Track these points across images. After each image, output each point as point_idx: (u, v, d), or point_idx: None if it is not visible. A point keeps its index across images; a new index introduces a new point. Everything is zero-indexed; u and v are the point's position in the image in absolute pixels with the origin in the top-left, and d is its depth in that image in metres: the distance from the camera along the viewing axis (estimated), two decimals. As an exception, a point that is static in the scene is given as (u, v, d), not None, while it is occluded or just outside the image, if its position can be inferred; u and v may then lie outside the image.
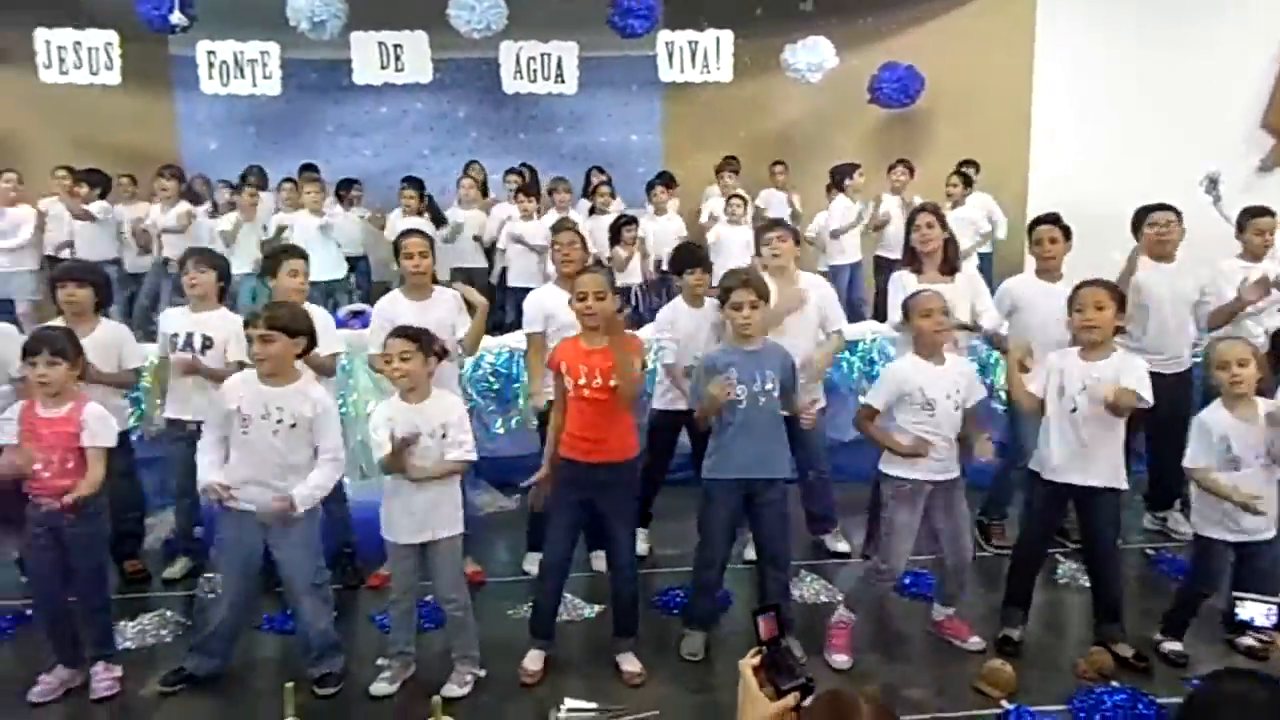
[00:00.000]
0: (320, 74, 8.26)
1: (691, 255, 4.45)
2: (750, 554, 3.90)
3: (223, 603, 3.39)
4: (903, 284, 4.14)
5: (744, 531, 3.78)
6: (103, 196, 6.90)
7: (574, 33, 7.16)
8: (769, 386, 3.41)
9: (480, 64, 7.57)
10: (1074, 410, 3.37)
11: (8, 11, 6.86)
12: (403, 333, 3.29)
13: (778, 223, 4.61)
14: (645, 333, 5.03)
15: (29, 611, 3.86)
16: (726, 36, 7.18)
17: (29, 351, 3.24)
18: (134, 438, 4.51)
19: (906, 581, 3.99)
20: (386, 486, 3.35)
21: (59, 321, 3.86)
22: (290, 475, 3.23)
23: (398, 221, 6.89)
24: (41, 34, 6.57)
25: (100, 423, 3.26)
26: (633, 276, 7.05)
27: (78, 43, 6.58)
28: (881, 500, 3.52)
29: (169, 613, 3.96)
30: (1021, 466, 3.95)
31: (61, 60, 6.61)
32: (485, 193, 7.90)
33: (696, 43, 7.16)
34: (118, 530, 4.31)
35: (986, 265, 6.91)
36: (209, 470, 3.25)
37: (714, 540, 3.53)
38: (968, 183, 7.03)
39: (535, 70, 7.04)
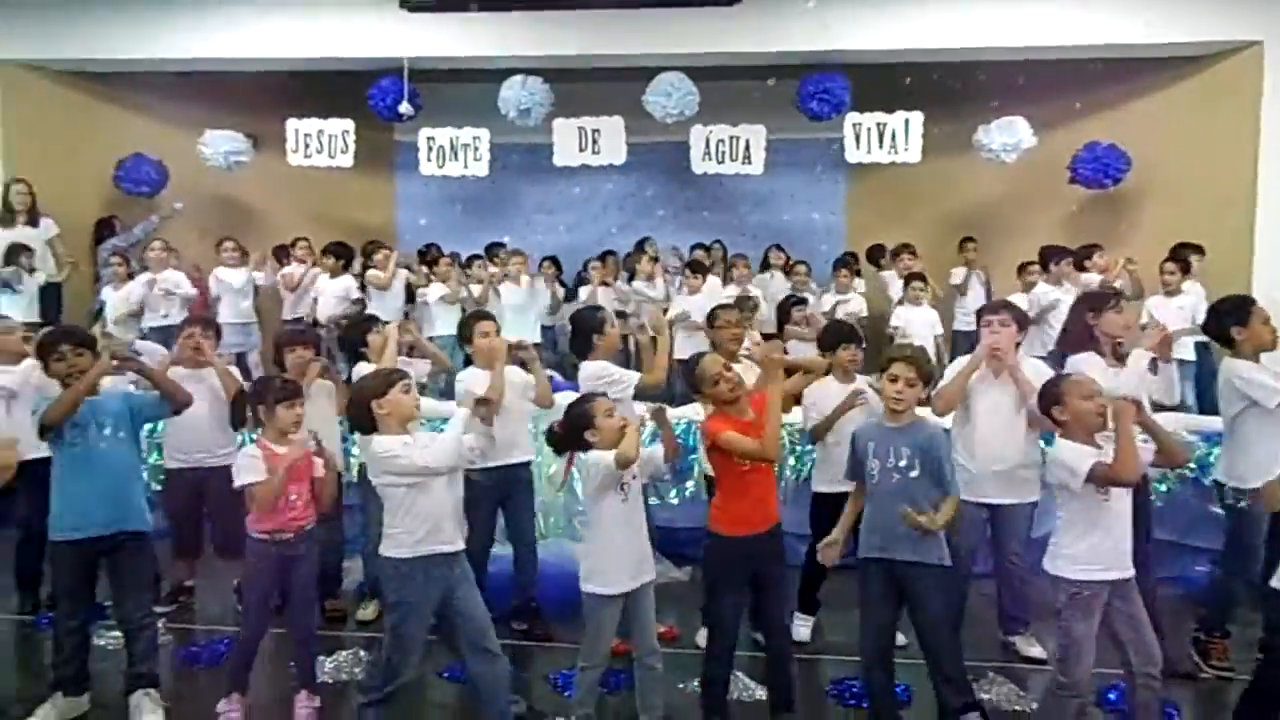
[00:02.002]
0: (522, 156, 8.86)
1: (842, 331, 4.43)
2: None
3: (416, 653, 3.30)
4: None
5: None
6: (346, 268, 7.63)
7: (762, 116, 7.36)
8: (903, 464, 3.31)
9: (670, 146, 7.91)
10: None
11: (265, 103, 7.85)
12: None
13: (1004, 304, 4.27)
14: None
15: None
16: (916, 118, 7.16)
17: (287, 396, 3.62)
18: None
19: (1111, 697, 3.67)
20: (599, 537, 3.34)
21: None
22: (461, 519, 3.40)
23: (583, 294, 7.61)
24: (292, 123, 7.49)
25: (324, 453, 3.64)
26: (811, 350, 7.03)
27: (321, 131, 7.46)
28: (1058, 608, 3.21)
29: (362, 652, 4.20)
30: (1247, 578, 3.58)
31: (306, 145, 7.48)
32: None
33: (885, 124, 7.18)
34: (322, 570, 4.71)
35: (1204, 355, 6.40)
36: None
37: (867, 623, 3.41)
38: (1186, 269, 6.58)
39: (724, 152, 7.28)
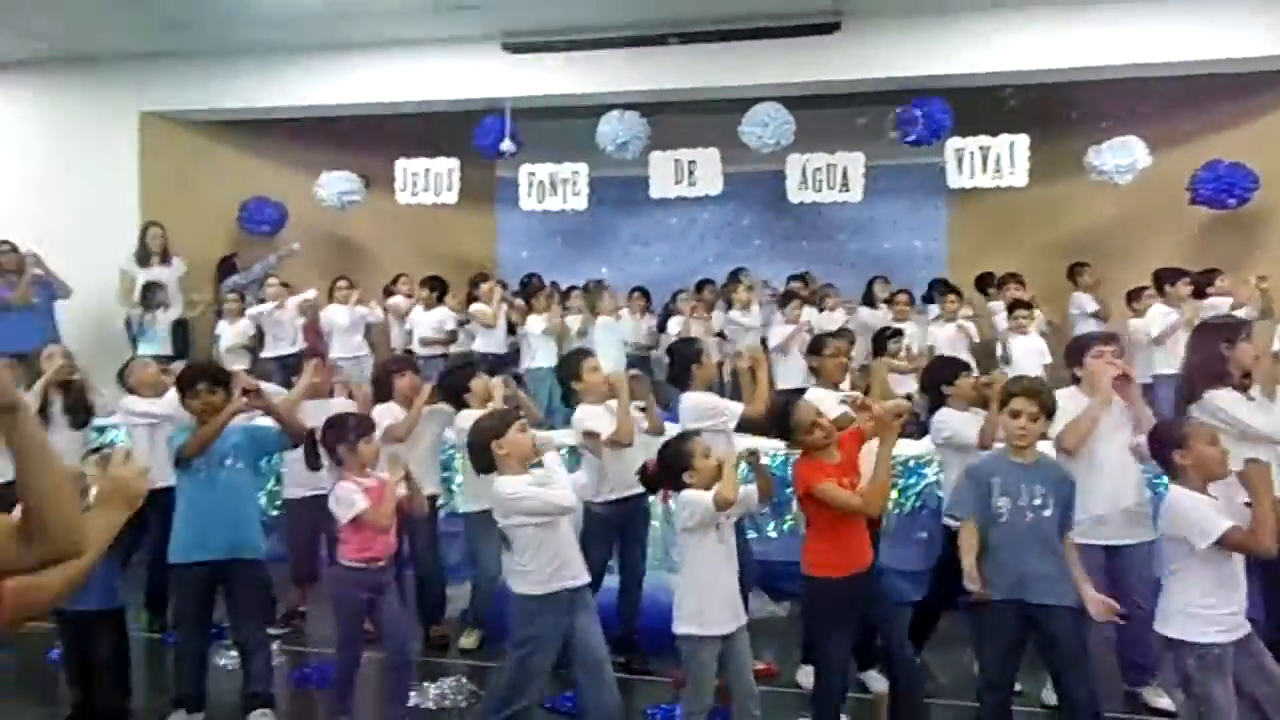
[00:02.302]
0: (619, 189, 8.98)
1: (955, 363, 4.44)
2: (1050, 696, 3.55)
3: (536, 685, 3.38)
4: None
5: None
6: (440, 300, 7.89)
7: (861, 142, 7.28)
8: (1037, 502, 3.18)
9: (767, 175, 7.90)
10: None
11: (376, 145, 8.21)
12: None
13: (1113, 337, 4.27)
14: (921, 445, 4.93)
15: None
16: (1021, 141, 6.95)
17: (365, 431, 3.78)
18: (442, 513, 5.08)
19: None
20: (697, 578, 3.30)
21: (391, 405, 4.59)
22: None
23: (674, 326, 7.65)
24: (401, 163, 7.80)
25: (402, 486, 3.77)
26: (909, 384, 6.87)
27: (428, 170, 7.74)
28: (1186, 674, 2.97)
29: (464, 680, 4.28)
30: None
31: (414, 184, 7.77)
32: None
33: (989, 148, 7.00)
34: (427, 599, 4.85)
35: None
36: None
37: (992, 664, 3.27)
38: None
39: (821, 180, 7.21)
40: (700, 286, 8.44)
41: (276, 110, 8.04)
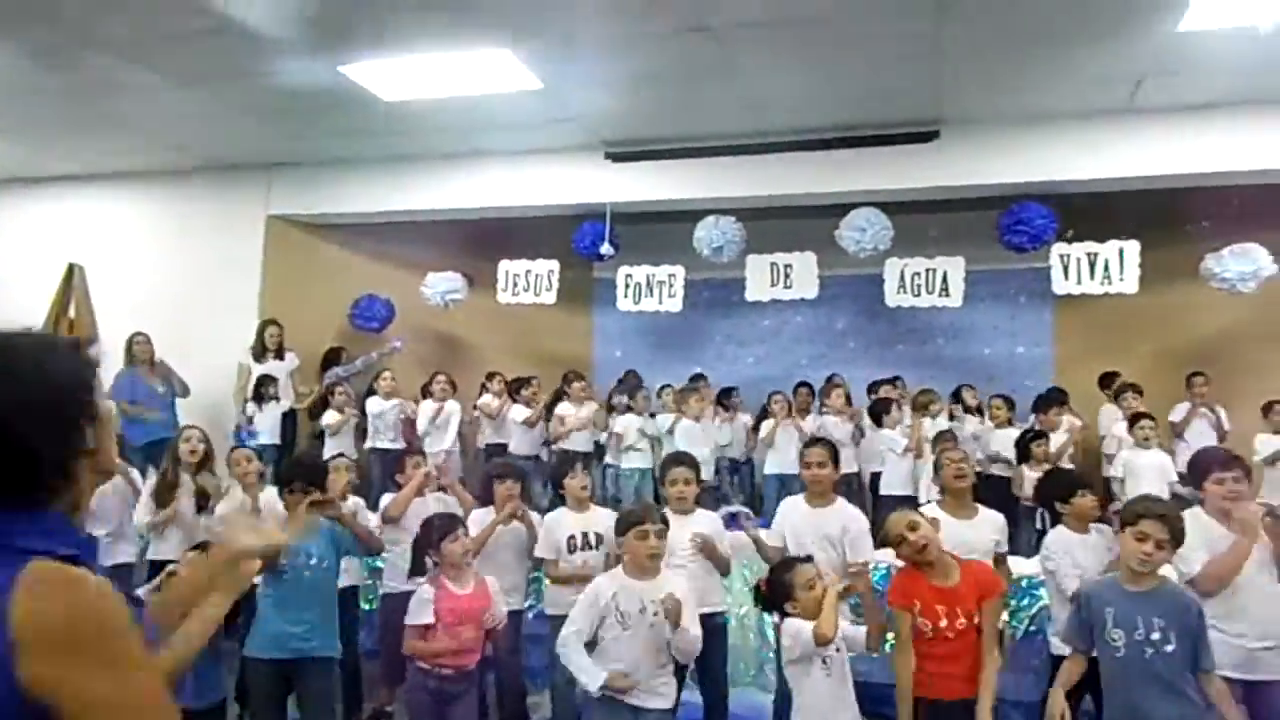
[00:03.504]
0: (713, 291, 9.08)
1: (1072, 479, 4.23)
2: None
3: None
4: None
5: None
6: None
7: (962, 247, 7.19)
8: (1156, 636, 2.91)
9: (861, 279, 7.84)
10: None
11: (480, 246, 8.52)
12: None
13: (1236, 459, 3.95)
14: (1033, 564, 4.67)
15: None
16: (1132, 247, 6.74)
17: (449, 530, 3.80)
18: (530, 615, 5.00)
19: None
20: (804, 709, 3.23)
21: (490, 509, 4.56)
22: (662, 665, 3.36)
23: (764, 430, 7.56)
24: (504, 264, 8.06)
25: (501, 597, 3.78)
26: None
27: (529, 271, 7.97)
28: None
29: (548, 793, 4.15)
30: None
31: (514, 284, 8.01)
32: (850, 402, 7.90)
33: (1096, 254, 6.81)
34: (506, 708, 4.74)
35: None
36: (593, 667, 3.34)
37: None
38: None
39: (919, 285, 7.12)
40: (796, 389, 8.29)
41: (389, 214, 8.46)
